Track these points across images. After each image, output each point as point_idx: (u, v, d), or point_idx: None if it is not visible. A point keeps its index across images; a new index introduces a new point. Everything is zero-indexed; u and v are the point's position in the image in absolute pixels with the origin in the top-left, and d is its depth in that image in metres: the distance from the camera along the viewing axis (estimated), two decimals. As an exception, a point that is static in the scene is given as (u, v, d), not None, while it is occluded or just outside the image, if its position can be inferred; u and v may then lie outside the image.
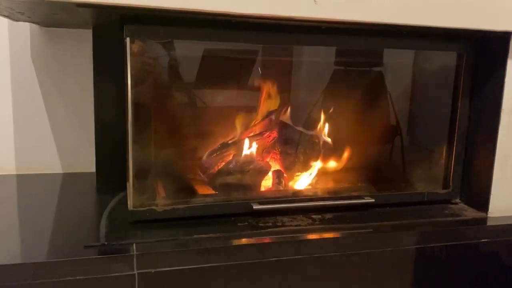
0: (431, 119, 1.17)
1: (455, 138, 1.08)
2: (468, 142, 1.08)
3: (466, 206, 1.09)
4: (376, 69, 1.20)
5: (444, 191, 1.10)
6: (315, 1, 0.78)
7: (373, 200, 1.01)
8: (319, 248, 0.87)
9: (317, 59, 1.18)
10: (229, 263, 0.81)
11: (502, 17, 0.94)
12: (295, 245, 0.86)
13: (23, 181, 1.17)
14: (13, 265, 0.73)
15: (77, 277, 0.73)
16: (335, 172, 1.11)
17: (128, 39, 0.82)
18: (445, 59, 1.09)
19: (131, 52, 0.83)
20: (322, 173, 1.10)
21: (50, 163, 1.23)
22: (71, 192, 1.12)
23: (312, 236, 0.88)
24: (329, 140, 1.11)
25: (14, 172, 1.21)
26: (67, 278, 0.73)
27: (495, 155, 1.02)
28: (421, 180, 1.14)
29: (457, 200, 1.11)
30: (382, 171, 1.17)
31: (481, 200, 1.05)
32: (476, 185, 1.07)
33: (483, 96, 1.04)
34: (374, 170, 1.15)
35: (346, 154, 1.12)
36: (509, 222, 1.01)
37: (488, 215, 1.03)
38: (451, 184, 1.09)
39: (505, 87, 0.99)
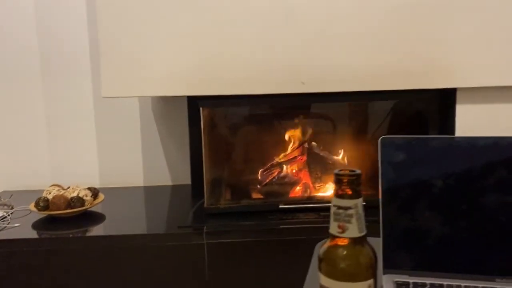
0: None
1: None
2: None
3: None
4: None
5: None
6: (302, 83, 1.31)
7: (364, 203, 1.48)
8: (320, 232, 1.38)
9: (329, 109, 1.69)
10: (259, 239, 1.36)
11: (445, 78, 1.37)
12: (302, 230, 1.38)
13: (148, 191, 1.85)
14: (141, 235, 1.37)
15: (174, 243, 1.35)
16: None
17: (201, 108, 1.43)
18: (420, 103, 1.53)
19: (203, 115, 1.44)
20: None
21: (165, 178, 1.90)
22: (176, 197, 1.76)
23: (315, 225, 1.40)
24: (339, 160, 1.61)
25: (142, 185, 1.90)
26: (168, 244, 1.35)
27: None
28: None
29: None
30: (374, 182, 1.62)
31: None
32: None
33: (446, 125, 1.47)
34: (368, 182, 1.61)
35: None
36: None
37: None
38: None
39: (456, 120, 1.42)
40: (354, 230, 0.54)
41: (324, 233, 1.36)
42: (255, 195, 1.61)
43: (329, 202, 1.43)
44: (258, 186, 1.64)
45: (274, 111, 1.64)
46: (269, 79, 1.35)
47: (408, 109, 1.58)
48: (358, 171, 0.55)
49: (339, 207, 0.54)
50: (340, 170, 0.56)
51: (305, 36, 1.36)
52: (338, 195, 0.55)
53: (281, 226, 1.40)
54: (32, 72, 1.81)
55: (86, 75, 1.81)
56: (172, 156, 1.88)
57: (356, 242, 0.55)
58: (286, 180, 1.62)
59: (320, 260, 0.57)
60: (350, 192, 0.54)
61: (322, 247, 0.57)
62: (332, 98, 1.45)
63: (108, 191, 1.71)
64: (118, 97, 1.37)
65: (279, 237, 1.37)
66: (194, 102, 1.66)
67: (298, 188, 1.61)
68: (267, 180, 1.65)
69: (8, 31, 1.79)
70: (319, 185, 1.62)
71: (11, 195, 1.62)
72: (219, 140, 1.53)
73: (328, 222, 1.38)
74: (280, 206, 1.47)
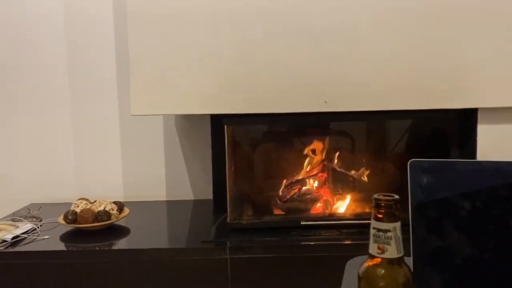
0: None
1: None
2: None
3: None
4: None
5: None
6: (325, 102, 1.35)
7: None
8: (342, 250, 1.40)
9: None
10: (282, 255, 1.39)
11: (466, 98, 1.40)
12: (324, 247, 1.41)
13: (171, 205, 1.89)
14: (166, 249, 1.40)
15: (198, 258, 1.38)
16: (361, 201, 1.63)
17: (226, 126, 1.47)
18: (440, 122, 1.55)
19: (227, 133, 1.48)
20: (353, 201, 1.63)
21: (187, 193, 1.93)
22: (198, 211, 1.80)
23: (336, 242, 1.42)
24: (360, 178, 1.63)
25: (164, 199, 1.93)
26: (191, 258, 1.38)
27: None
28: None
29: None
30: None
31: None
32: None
33: (467, 145, 1.49)
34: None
35: (369, 188, 1.64)
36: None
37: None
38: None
39: (477, 140, 1.44)
40: (393, 251, 0.57)
41: (345, 250, 1.38)
42: (277, 211, 1.64)
43: (349, 219, 1.46)
44: (280, 202, 1.67)
45: (296, 128, 1.68)
46: (292, 98, 1.39)
47: (429, 128, 1.61)
48: (397, 197, 0.58)
49: (379, 230, 0.57)
50: (379, 195, 0.59)
51: (328, 56, 1.40)
52: (377, 218, 0.58)
53: (303, 243, 1.42)
54: (60, 89, 1.87)
55: (113, 92, 1.86)
56: (194, 171, 1.92)
57: (394, 262, 0.58)
58: (307, 196, 1.65)
59: (360, 278, 0.60)
60: (389, 216, 0.57)
61: (361, 266, 0.60)
62: (353, 116, 1.48)
63: (132, 204, 1.75)
64: (146, 115, 1.41)
65: (301, 254, 1.40)
66: (218, 120, 1.71)
67: (319, 204, 1.64)
68: (288, 197, 1.68)
69: (39, 50, 1.86)
70: (340, 202, 1.65)
71: (40, 207, 1.67)
72: (242, 156, 1.57)
73: (349, 239, 1.40)
74: (302, 223, 1.50)
